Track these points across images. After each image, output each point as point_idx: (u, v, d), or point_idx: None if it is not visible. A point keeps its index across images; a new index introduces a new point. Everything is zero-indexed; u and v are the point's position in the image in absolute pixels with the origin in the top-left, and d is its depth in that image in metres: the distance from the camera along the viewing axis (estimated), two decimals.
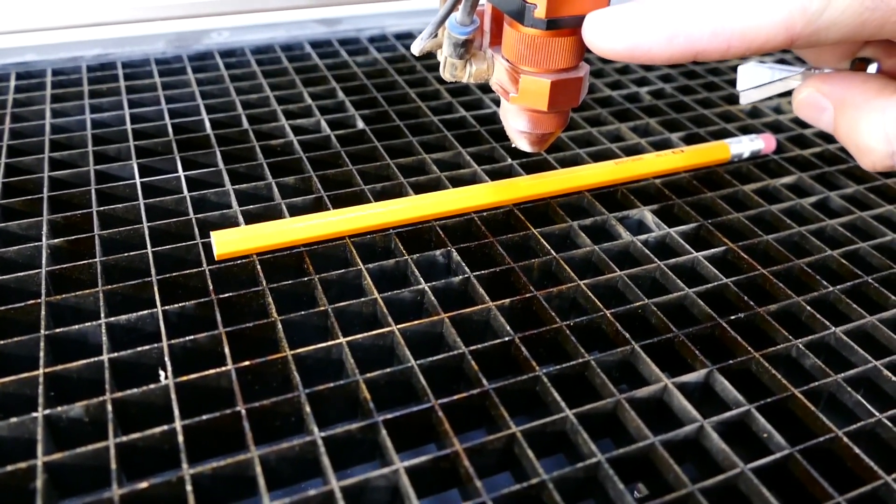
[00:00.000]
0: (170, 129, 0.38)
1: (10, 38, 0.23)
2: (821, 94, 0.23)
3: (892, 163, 0.22)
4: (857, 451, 0.22)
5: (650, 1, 0.21)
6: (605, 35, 0.21)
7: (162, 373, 0.24)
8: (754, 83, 0.26)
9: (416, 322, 0.26)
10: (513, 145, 0.30)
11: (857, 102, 0.22)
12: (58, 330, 0.25)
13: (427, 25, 0.26)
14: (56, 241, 0.30)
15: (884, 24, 0.19)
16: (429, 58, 0.47)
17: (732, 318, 0.28)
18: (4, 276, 0.28)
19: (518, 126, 0.29)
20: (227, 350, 0.25)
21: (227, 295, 0.27)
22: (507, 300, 0.28)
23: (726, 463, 0.22)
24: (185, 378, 0.23)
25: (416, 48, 0.27)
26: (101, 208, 0.32)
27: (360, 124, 0.40)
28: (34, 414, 0.22)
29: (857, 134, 0.22)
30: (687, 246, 0.31)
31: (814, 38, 0.19)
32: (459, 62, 0.28)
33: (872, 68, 0.24)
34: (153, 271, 0.28)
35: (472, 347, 0.25)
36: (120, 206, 0.32)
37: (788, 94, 0.30)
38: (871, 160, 0.22)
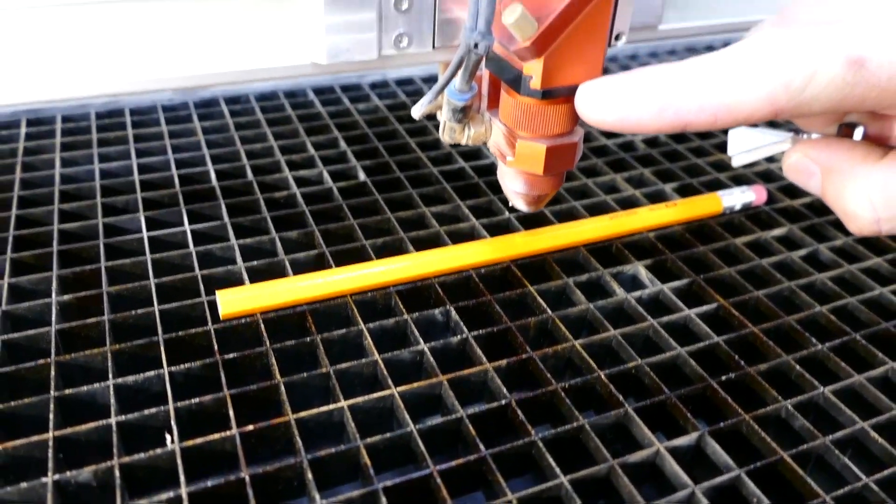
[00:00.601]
0: (176, 180, 0.39)
1: (21, 85, 0.24)
2: (809, 159, 0.24)
3: (878, 228, 0.23)
4: None
5: (639, 73, 0.22)
6: (596, 107, 0.22)
7: (168, 437, 0.25)
8: (745, 147, 0.27)
9: (415, 384, 0.27)
10: (510, 205, 0.31)
11: (842, 169, 0.23)
12: (67, 391, 0.26)
13: (427, 92, 0.27)
14: (65, 297, 0.30)
15: (865, 98, 0.20)
16: None
17: (723, 378, 0.28)
18: (15, 334, 0.28)
19: (515, 187, 0.30)
20: (231, 412, 0.25)
21: (231, 355, 0.28)
22: (504, 361, 0.28)
23: None
24: (190, 443, 0.24)
25: (417, 113, 0.28)
26: (110, 263, 0.33)
27: (362, 175, 0.41)
28: (44, 479, 0.23)
29: (843, 200, 0.23)
30: (680, 302, 0.32)
31: (797, 110, 0.20)
32: (458, 126, 0.29)
33: (858, 133, 0.25)
34: (160, 330, 0.29)
35: (469, 411, 0.26)
36: (127, 260, 0.33)
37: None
38: (857, 225, 0.23)
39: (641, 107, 0.21)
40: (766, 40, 0.20)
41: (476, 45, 0.24)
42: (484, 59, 0.25)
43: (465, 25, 0.24)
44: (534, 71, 0.25)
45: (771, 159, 0.46)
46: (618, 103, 0.22)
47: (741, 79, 0.20)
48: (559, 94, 0.26)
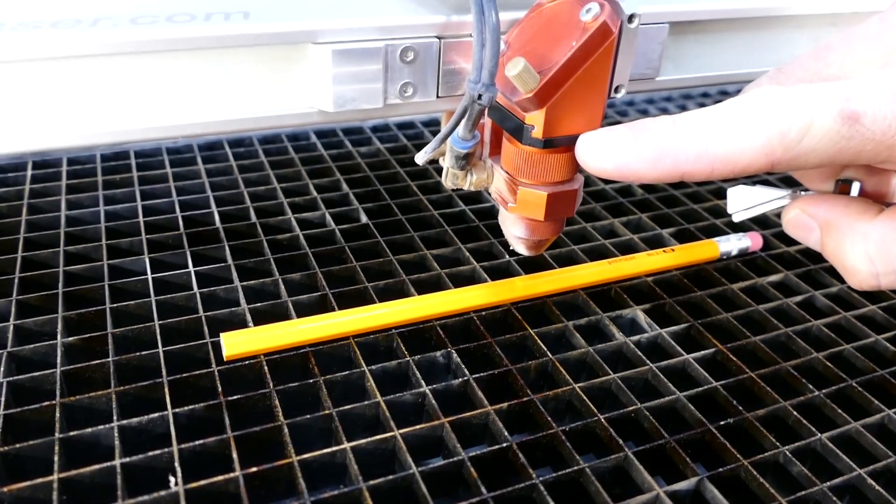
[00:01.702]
0: (181, 222, 0.40)
1: (27, 128, 0.25)
2: (807, 215, 0.25)
3: (877, 283, 0.23)
4: None
5: (638, 125, 0.22)
6: (596, 156, 0.23)
7: (172, 479, 0.25)
8: (744, 205, 0.27)
9: (417, 427, 0.27)
10: (511, 248, 0.31)
11: (840, 225, 0.23)
12: (72, 433, 0.26)
13: (432, 140, 0.28)
14: (70, 339, 0.31)
15: (860, 152, 0.21)
16: None
17: (722, 423, 0.29)
18: (21, 376, 0.29)
19: (516, 232, 0.30)
20: (234, 454, 0.26)
21: (235, 397, 0.28)
22: (505, 403, 0.29)
23: None
24: (194, 485, 0.24)
25: (421, 160, 0.29)
26: (114, 305, 0.33)
27: (364, 218, 0.41)
28: None
29: (842, 255, 0.23)
30: (678, 347, 0.33)
31: (794, 162, 0.21)
32: (461, 172, 0.30)
33: (855, 189, 0.25)
34: (164, 371, 0.29)
35: (471, 453, 0.26)
36: (132, 302, 0.33)
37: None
38: (857, 280, 0.23)
39: (640, 156, 0.22)
40: (763, 94, 0.21)
41: (480, 97, 0.25)
42: (487, 109, 0.25)
43: (469, 77, 0.25)
44: (536, 121, 0.26)
45: None
46: (617, 152, 0.22)
47: (738, 130, 0.21)
48: (560, 144, 0.27)
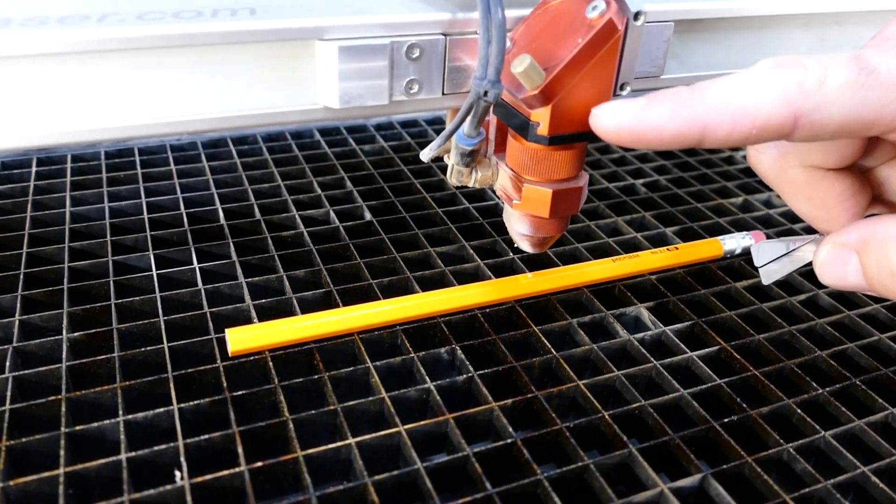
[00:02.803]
0: (185, 219, 0.40)
1: (34, 124, 0.25)
2: (840, 245, 0.23)
3: None
4: None
5: (654, 93, 0.21)
6: (612, 115, 0.22)
7: (177, 473, 0.25)
8: (770, 257, 0.27)
9: (421, 423, 0.27)
10: (515, 245, 0.31)
11: (878, 235, 0.22)
12: (77, 427, 0.26)
13: (437, 137, 0.28)
14: (75, 334, 0.31)
15: (884, 106, 0.20)
16: None
17: (726, 420, 0.29)
18: (26, 371, 0.29)
19: (521, 229, 0.30)
20: (240, 449, 0.26)
21: (240, 392, 0.28)
22: (510, 400, 0.29)
23: None
24: (199, 479, 0.24)
25: (426, 157, 0.29)
26: (119, 301, 0.33)
27: (368, 216, 0.41)
28: None
29: (889, 263, 0.22)
30: (682, 345, 0.33)
31: (816, 115, 0.20)
32: (466, 169, 0.30)
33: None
34: (169, 367, 0.29)
35: (475, 449, 0.26)
36: (137, 298, 0.33)
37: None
38: None
39: (658, 110, 0.21)
40: (777, 57, 0.20)
41: (486, 94, 0.25)
42: (492, 106, 0.26)
43: (475, 74, 0.25)
44: (541, 118, 0.26)
45: (770, 204, 0.47)
46: (634, 109, 0.21)
47: (756, 82, 0.20)
48: (565, 141, 0.27)
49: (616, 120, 0.21)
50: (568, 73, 0.25)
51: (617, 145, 0.23)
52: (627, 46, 0.27)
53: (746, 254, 0.40)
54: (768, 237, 0.41)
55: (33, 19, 0.25)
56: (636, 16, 0.28)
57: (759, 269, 0.27)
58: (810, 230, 0.27)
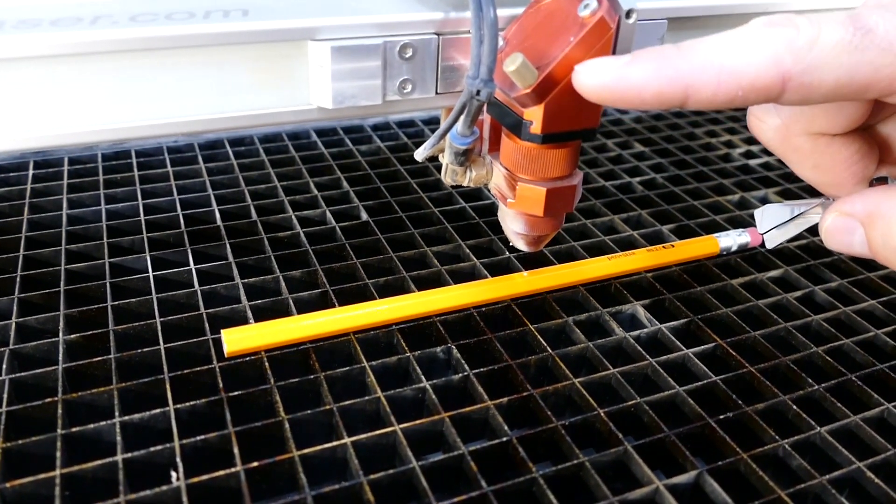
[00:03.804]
0: (181, 221, 0.40)
1: (28, 126, 0.25)
2: (846, 215, 0.22)
3: None
4: None
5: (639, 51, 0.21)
6: (594, 72, 0.21)
7: (174, 473, 0.25)
8: (774, 223, 0.26)
9: (417, 422, 0.27)
10: (511, 244, 0.31)
11: (884, 211, 0.22)
12: (74, 429, 0.26)
13: (431, 136, 0.28)
14: (72, 336, 0.31)
15: (879, 68, 0.19)
16: None
17: (721, 417, 0.29)
18: (23, 373, 0.29)
19: (515, 228, 0.30)
20: (236, 449, 0.26)
21: (236, 393, 0.28)
22: (505, 398, 0.29)
23: None
24: (195, 479, 0.24)
25: (420, 156, 0.29)
26: (116, 302, 0.33)
27: (364, 216, 0.41)
28: None
29: (893, 241, 0.21)
30: (678, 342, 0.33)
31: (806, 77, 0.19)
32: (460, 168, 0.30)
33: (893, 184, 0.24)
34: (165, 368, 0.29)
35: (471, 448, 0.26)
36: (133, 300, 0.33)
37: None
38: None
39: (641, 67, 0.20)
40: (769, 16, 0.20)
41: (478, 93, 0.25)
42: (485, 104, 0.26)
43: (468, 73, 0.25)
44: (534, 117, 0.26)
45: (767, 202, 0.47)
46: (617, 66, 0.21)
47: (744, 40, 0.19)
48: (559, 139, 0.27)
49: (597, 77, 0.21)
50: (560, 71, 0.25)
51: (601, 104, 0.22)
52: (620, 44, 0.27)
53: (742, 251, 0.40)
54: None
55: (26, 21, 0.25)
56: (628, 14, 0.28)
57: (764, 234, 0.27)
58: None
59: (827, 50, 0.19)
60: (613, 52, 0.26)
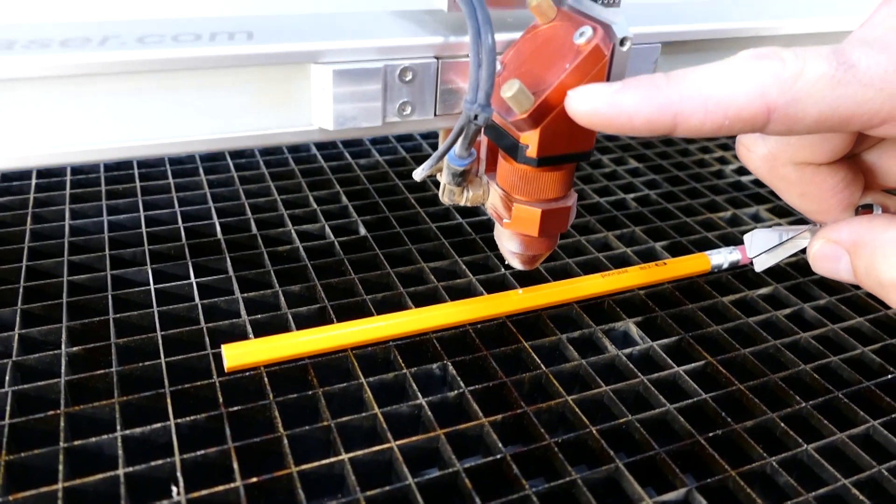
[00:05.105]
0: (182, 233, 0.41)
1: (38, 144, 0.26)
2: (833, 242, 0.24)
3: None
4: None
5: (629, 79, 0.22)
6: (586, 97, 0.22)
7: (174, 488, 0.25)
8: (764, 247, 0.27)
9: (413, 438, 0.28)
10: (506, 262, 0.32)
11: (868, 241, 0.22)
12: (76, 442, 0.27)
13: (430, 156, 0.29)
14: (74, 349, 0.31)
15: (861, 103, 0.19)
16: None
17: (711, 434, 0.29)
18: (25, 386, 0.29)
19: (511, 247, 0.31)
20: (235, 464, 0.26)
21: (235, 408, 0.29)
22: (500, 415, 0.29)
23: None
24: (195, 494, 0.25)
25: (419, 176, 0.30)
26: (117, 315, 0.34)
27: (363, 230, 0.42)
28: None
29: (876, 272, 0.22)
30: (669, 359, 0.33)
31: (791, 109, 0.20)
32: (457, 189, 0.30)
33: (877, 212, 0.25)
34: (166, 382, 0.30)
35: (466, 465, 0.27)
36: (135, 312, 0.34)
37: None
38: None
39: (632, 94, 0.21)
40: (755, 49, 0.20)
41: (476, 117, 0.26)
42: (483, 127, 0.26)
43: (466, 98, 0.26)
44: (530, 140, 0.26)
45: (758, 218, 0.47)
46: (608, 92, 0.21)
47: (731, 72, 0.20)
48: (554, 162, 0.27)
49: (589, 103, 0.22)
50: (555, 97, 0.25)
51: (593, 129, 0.23)
52: (614, 70, 0.27)
53: (733, 268, 0.41)
54: None
55: (36, 42, 0.26)
56: (622, 41, 0.29)
57: (753, 259, 0.27)
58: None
59: (811, 83, 0.19)
60: (608, 79, 0.26)
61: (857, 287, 0.40)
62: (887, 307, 0.38)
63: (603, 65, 0.26)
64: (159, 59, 0.26)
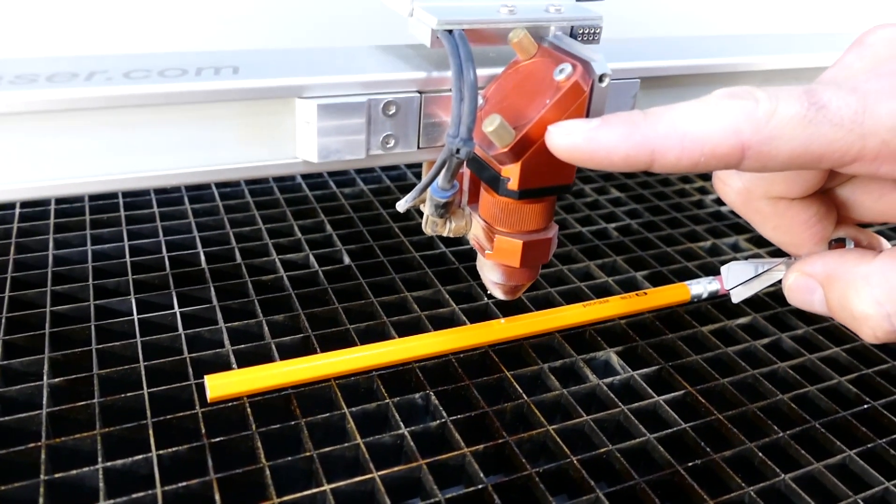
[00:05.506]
0: (167, 263, 0.41)
1: (24, 177, 0.26)
2: (807, 275, 0.24)
3: (891, 325, 0.22)
4: None
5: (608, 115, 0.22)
6: (566, 133, 0.23)
7: None
8: (740, 279, 0.28)
9: (395, 468, 0.28)
10: (488, 292, 0.32)
11: (840, 275, 0.23)
12: (56, 475, 0.27)
13: (413, 188, 0.29)
14: (56, 380, 0.31)
15: (832, 141, 0.20)
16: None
17: (690, 464, 0.30)
18: (6, 417, 0.29)
19: (493, 278, 0.31)
20: (217, 496, 0.26)
21: (218, 439, 0.29)
22: (482, 445, 0.30)
23: None
24: None
25: (402, 207, 0.30)
26: (100, 346, 0.34)
27: (347, 259, 0.42)
28: None
29: (849, 305, 0.23)
30: (649, 389, 0.34)
31: (765, 147, 0.20)
32: (440, 220, 0.31)
33: (849, 246, 0.26)
34: (148, 413, 0.30)
35: (447, 495, 0.27)
36: (118, 343, 0.34)
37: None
38: (870, 328, 0.22)
39: (610, 131, 0.21)
40: (730, 88, 0.21)
41: (458, 151, 0.26)
42: (465, 160, 0.27)
43: (448, 132, 0.26)
44: (511, 174, 0.27)
45: (737, 248, 0.48)
46: (587, 128, 0.22)
47: (706, 110, 0.21)
48: (535, 195, 0.28)
49: (568, 139, 0.22)
50: (536, 132, 0.26)
51: (572, 164, 0.24)
52: (594, 105, 0.28)
53: (713, 298, 0.41)
54: None
55: (23, 77, 0.26)
56: (601, 78, 0.30)
57: (730, 291, 0.28)
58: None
59: (784, 123, 0.20)
60: (587, 115, 0.27)
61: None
62: None
63: (582, 101, 0.26)
64: (146, 93, 0.27)
